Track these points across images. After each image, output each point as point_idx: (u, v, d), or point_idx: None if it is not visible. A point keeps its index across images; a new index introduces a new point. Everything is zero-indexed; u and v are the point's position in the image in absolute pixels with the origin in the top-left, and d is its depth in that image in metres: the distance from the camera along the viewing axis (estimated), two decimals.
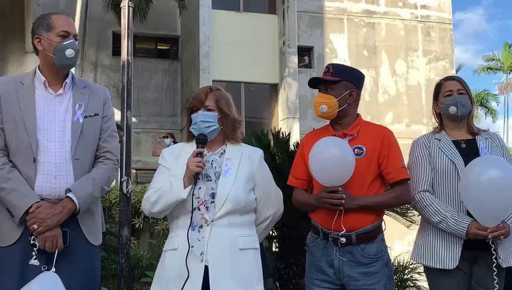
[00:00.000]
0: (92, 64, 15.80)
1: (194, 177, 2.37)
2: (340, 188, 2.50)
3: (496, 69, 35.33)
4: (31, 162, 2.39)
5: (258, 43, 15.14)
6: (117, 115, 3.30)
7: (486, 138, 2.85)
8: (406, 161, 2.82)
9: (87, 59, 15.54)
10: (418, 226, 3.01)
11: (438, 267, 2.73)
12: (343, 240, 2.54)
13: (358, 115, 2.77)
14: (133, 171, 10.86)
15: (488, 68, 35.22)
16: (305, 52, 16.85)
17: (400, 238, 8.31)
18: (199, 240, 2.35)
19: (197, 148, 2.43)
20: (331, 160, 2.48)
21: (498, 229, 2.54)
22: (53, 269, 2.31)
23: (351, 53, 17.24)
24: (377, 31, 17.65)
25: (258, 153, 2.61)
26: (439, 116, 2.96)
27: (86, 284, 2.44)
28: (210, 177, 2.44)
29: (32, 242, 2.32)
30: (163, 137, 11.93)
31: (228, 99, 2.57)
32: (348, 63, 15.77)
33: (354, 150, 2.59)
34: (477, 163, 2.58)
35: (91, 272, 2.51)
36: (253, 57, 15.01)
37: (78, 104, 2.53)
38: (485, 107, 34.53)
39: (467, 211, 2.64)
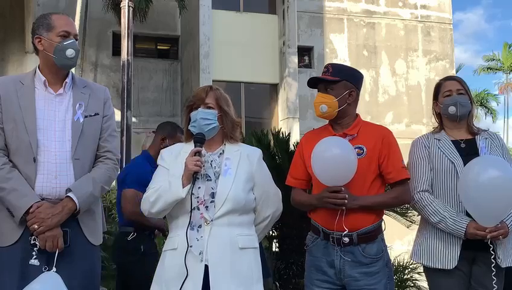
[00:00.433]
0: (92, 64, 15.79)
1: (192, 177, 2.37)
2: (342, 188, 2.50)
3: (496, 69, 35.34)
4: (31, 162, 2.39)
5: (258, 43, 15.14)
6: (117, 115, 3.30)
7: (486, 138, 2.85)
8: (405, 161, 2.82)
9: (87, 59, 15.53)
10: (418, 226, 3.02)
11: (437, 267, 2.73)
12: (346, 240, 2.54)
13: (357, 115, 2.77)
14: None
15: (488, 68, 35.23)
16: (305, 52, 16.84)
17: (399, 238, 8.32)
18: (198, 240, 2.35)
19: (195, 147, 2.43)
20: (334, 160, 2.48)
21: (497, 229, 2.55)
22: (54, 269, 2.31)
23: (351, 53, 17.24)
24: (377, 31, 17.64)
25: (257, 152, 2.61)
26: (438, 116, 2.97)
27: (86, 284, 2.44)
28: (210, 177, 2.44)
29: (32, 242, 2.32)
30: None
31: (227, 99, 2.58)
32: (348, 63, 15.77)
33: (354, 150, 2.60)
34: (476, 163, 2.58)
35: (91, 272, 2.51)
36: (253, 57, 15.00)
37: (78, 104, 2.53)
38: (485, 107, 34.53)
39: (466, 211, 2.65)
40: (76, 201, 2.39)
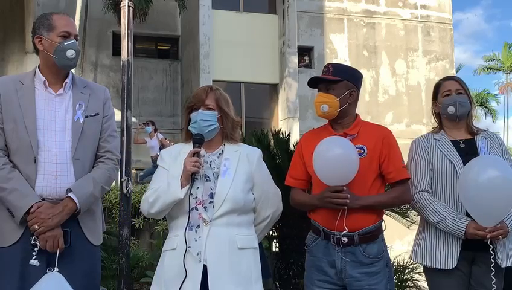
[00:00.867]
0: (92, 64, 15.80)
1: (191, 177, 2.37)
2: (344, 188, 2.50)
3: (496, 69, 35.32)
4: (32, 162, 2.39)
5: (258, 43, 15.14)
6: (117, 115, 3.30)
7: (485, 138, 2.85)
8: (405, 161, 2.83)
9: (87, 59, 15.53)
10: (418, 226, 3.02)
11: (436, 267, 2.73)
12: (345, 240, 2.54)
13: (357, 115, 2.77)
14: (133, 171, 10.87)
15: (488, 68, 35.21)
16: (305, 52, 16.85)
17: (399, 238, 8.32)
18: (196, 240, 2.35)
19: (193, 148, 2.43)
20: (336, 159, 2.47)
21: (496, 229, 2.55)
22: (56, 269, 2.31)
23: (351, 53, 17.24)
24: (377, 31, 17.64)
25: (257, 152, 2.61)
26: (438, 116, 2.97)
27: (86, 284, 2.44)
28: (208, 177, 2.44)
29: (33, 242, 2.32)
30: (144, 124, 11.91)
31: (227, 100, 2.58)
32: (348, 63, 15.76)
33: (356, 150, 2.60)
34: (475, 163, 2.58)
35: (91, 272, 2.51)
36: (253, 57, 15.01)
37: (78, 104, 2.53)
38: (485, 107, 34.52)
39: (466, 211, 2.65)
40: (76, 201, 2.39)
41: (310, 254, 2.69)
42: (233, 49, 14.69)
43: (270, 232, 5.11)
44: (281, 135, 5.01)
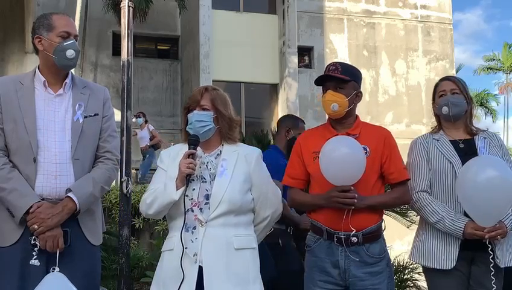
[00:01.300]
0: (92, 64, 15.80)
1: (186, 179, 2.37)
2: (352, 188, 2.50)
3: (496, 69, 35.32)
4: (31, 162, 2.39)
5: (258, 43, 15.15)
6: (117, 115, 3.30)
7: (484, 138, 2.85)
8: (404, 161, 2.83)
9: (87, 59, 15.54)
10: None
11: (435, 267, 2.73)
12: (355, 239, 2.54)
13: (357, 115, 2.78)
14: (133, 171, 10.86)
15: (488, 68, 35.22)
16: (305, 52, 16.85)
17: (399, 238, 8.32)
18: (192, 242, 2.35)
19: (188, 149, 2.43)
20: (345, 159, 2.47)
21: (495, 229, 2.55)
22: (57, 269, 2.31)
23: (351, 53, 17.25)
24: (377, 31, 17.65)
25: (255, 152, 2.58)
26: (437, 116, 2.97)
27: (86, 284, 2.44)
28: (205, 178, 2.44)
29: (33, 242, 2.32)
30: (135, 116, 11.91)
31: (225, 99, 2.56)
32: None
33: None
34: (473, 163, 2.59)
35: (91, 272, 2.51)
36: (253, 57, 15.01)
37: (78, 104, 2.53)
38: (485, 107, 34.52)
39: (464, 211, 2.65)
40: (76, 201, 2.39)
41: (312, 255, 2.67)
42: (233, 49, 14.69)
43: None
44: None
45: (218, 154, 2.52)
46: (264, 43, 15.24)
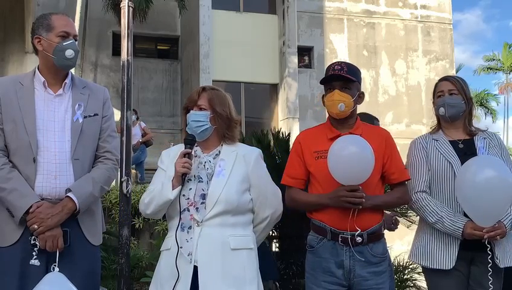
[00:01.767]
0: (92, 64, 15.79)
1: (181, 178, 2.37)
2: (360, 187, 2.50)
3: (496, 69, 35.32)
4: (31, 162, 2.39)
5: (258, 43, 15.14)
6: (117, 115, 3.30)
7: (484, 138, 2.85)
8: (404, 161, 2.84)
9: (87, 59, 15.53)
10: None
11: (434, 267, 2.73)
12: (360, 239, 2.54)
13: (357, 116, 2.78)
14: (133, 171, 10.87)
15: (488, 68, 35.21)
16: (305, 52, 16.84)
17: (399, 238, 8.30)
18: (187, 241, 2.36)
19: (184, 148, 2.43)
20: (356, 158, 2.47)
21: (494, 229, 2.55)
22: (57, 268, 2.32)
23: (351, 53, 17.24)
24: (377, 31, 17.64)
25: (254, 152, 2.58)
26: (437, 116, 2.97)
27: (86, 284, 2.44)
28: (201, 178, 2.44)
29: (32, 242, 2.33)
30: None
31: (223, 99, 2.55)
32: None
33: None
34: (472, 163, 2.59)
35: (91, 272, 2.51)
36: (253, 57, 15.01)
37: (77, 104, 2.53)
38: (485, 107, 34.51)
39: (464, 211, 2.65)
40: (76, 201, 2.39)
41: (315, 255, 2.65)
42: (233, 49, 14.69)
43: (270, 232, 5.10)
44: (281, 135, 5.01)
45: (216, 155, 2.52)
46: (264, 43, 15.24)
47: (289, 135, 5.09)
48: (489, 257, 2.56)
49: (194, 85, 14.42)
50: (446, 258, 2.71)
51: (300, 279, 4.53)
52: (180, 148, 2.57)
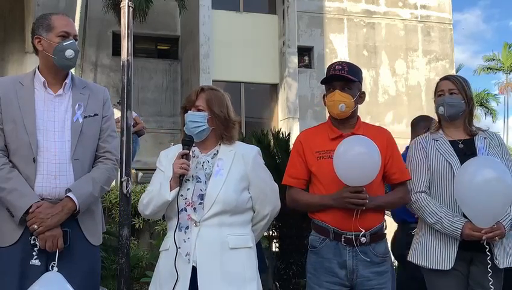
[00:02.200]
0: (92, 64, 15.79)
1: (179, 179, 2.37)
2: (364, 189, 2.50)
3: (496, 69, 35.30)
4: (31, 162, 2.39)
5: (258, 43, 15.14)
6: (117, 115, 3.29)
7: (484, 138, 2.84)
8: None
9: (87, 59, 15.53)
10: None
11: (434, 267, 2.73)
12: (364, 239, 2.54)
13: (358, 116, 2.77)
14: (133, 171, 10.86)
15: (488, 68, 35.20)
16: (305, 52, 16.84)
17: None
18: (185, 241, 2.36)
19: (182, 149, 2.43)
20: (363, 159, 2.47)
21: (492, 230, 2.55)
22: (55, 268, 2.32)
23: (351, 53, 17.24)
24: (377, 31, 17.64)
25: (253, 151, 2.57)
26: (438, 115, 2.97)
27: (85, 284, 2.44)
28: (200, 178, 2.44)
29: (32, 242, 2.33)
30: (118, 103, 11.78)
31: (221, 99, 2.54)
32: None
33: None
34: (471, 164, 2.59)
35: (91, 272, 2.52)
36: (253, 57, 15.00)
37: (77, 105, 2.53)
38: (485, 107, 34.50)
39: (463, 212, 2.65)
40: (76, 201, 2.39)
41: (318, 256, 2.64)
42: (233, 49, 14.69)
43: (270, 232, 5.10)
44: (281, 135, 5.02)
45: (214, 154, 2.51)
46: (264, 43, 15.23)
47: (289, 135, 5.10)
48: (488, 258, 2.55)
49: (194, 85, 14.41)
50: (445, 258, 2.71)
51: (300, 279, 4.54)
52: (179, 148, 2.56)
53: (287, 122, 14.64)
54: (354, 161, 2.46)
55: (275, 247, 5.24)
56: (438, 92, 2.89)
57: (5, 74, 13.86)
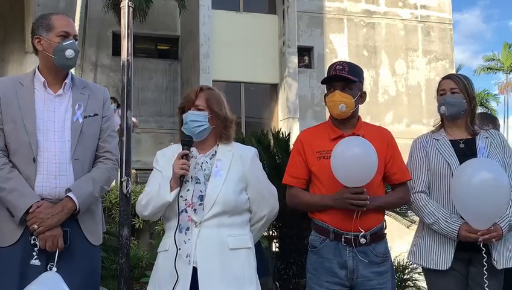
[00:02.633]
0: (92, 64, 15.79)
1: (179, 180, 2.36)
2: (364, 189, 2.50)
3: (496, 69, 35.29)
4: (31, 162, 2.39)
5: (258, 43, 15.13)
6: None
7: (486, 137, 2.83)
8: (405, 161, 2.84)
9: (87, 59, 15.53)
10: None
11: (432, 267, 2.74)
12: (363, 240, 2.54)
13: (359, 116, 2.77)
14: (133, 171, 10.84)
15: (488, 68, 35.19)
16: (305, 52, 16.83)
17: (400, 238, 8.31)
18: (185, 243, 2.35)
19: (182, 149, 2.42)
20: (360, 160, 2.46)
21: (489, 232, 2.54)
22: (54, 268, 2.31)
23: (351, 53, 17.23)
24: (377, 31, 17.63)
25: (251, 152, 2.57)
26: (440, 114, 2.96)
27: (85, 284, 2.44)
28: (199, 179, 2.43)
29: (32, 242, 2.32)
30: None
31: (219, 99, 2.55)
32: None
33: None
34: (468, 165, 2.59)
35: (91, 272, 2.51)
36: (253, 57, 15.00)
37: (77, 105, 2.53)
38: (485, 107, 34.47)
39: None
40: (76, 201, 2.39)
41: (318, 256, 2.64)
42: (233, 49, 14.68)
43: (270, 232, 5.10)
44: (281, 135, 5.02)
45: (213, 155, 2.51)
46: (264, 43, 15.23)
47: (289, 135, 5.09)
48: (484, 260, 2.54)
49: (194, 85, 14.36)
50: (443, 258, 2.71)
51: (300, 279, 4.53)
52: (176, 148, 2.56)
53: (287, 122, 14.63)
54: (350, 162, 2.46)
55: (275, 247, 5.24)
56: (440, 91, 2.89)
57: (5, 74, 13.86)
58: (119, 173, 4.24)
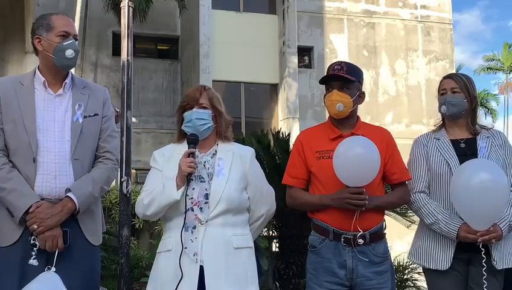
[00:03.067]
0: (92, 64, 15.79)
1: (186, 178, 2.37)
2: (364, 190, 2.50)
3: (496, 69, 35.29)
4: (31, 162, 2.39)
5: (258, 43, 15.13)
6: None
7: (487, 137, 2.82)
8: (404, 161, 2.84)
9: (87, 59, 15.53)
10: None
11: (431, 267, 2.74)
12: (361, 241, 2.54)
13: (358, 116, 2.77)
14: (133, 171, 10.84)
15: (488, 68, 35.18)
16: (305, 52, 16.83)
17: (399, 238, 8.32)
18: (192, 241, 2.35)
19: (188, 148, 2.42)
20: (362, 159, 2.46)
21: (488, 232, 2.54)
22: (53, 268, 2.31)
23: (351, 53, 17.23)
24: (377, 31, 17.63)
25: (249, 151, 2.60)
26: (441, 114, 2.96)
27: (85, 285, 2.44)
28: (203, 178, 2.44)
29: (32, 242, 2.32)
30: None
31: (219, 99, 2.58)
32: None
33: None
34: (467, 166, 2.59)
35: (91, 272, 2.51)
36: (253, 57, 15.00)
37: (77, 104, 2.53)
38: (485, 107, 34.47)
39: None
40: (75, 201, 2.39)
41: (318, 255, 2.65)
42: (233, 49, 14.68)
43: (270, 232, 5.11)
44: (281, 135, 5.03)
45: (214, 154, 2.52)
46: (264, 43, 15.23)
47: (289, 135, 5.10)
48: (484, 260, 2.54)
49: (194, 85, 14.39)
50: (442, 258, 2.71)
51: (300, 279, 4.54)
52: (174, 148, 2.56)
53: (287, 122, 14.64)
54: (354, 162, 2.46)
55: (275, 247, 5.25)
56: (441, 91, 2.89)
57: (5, 74, 13.86)
58: (119, 173, 4.24)
